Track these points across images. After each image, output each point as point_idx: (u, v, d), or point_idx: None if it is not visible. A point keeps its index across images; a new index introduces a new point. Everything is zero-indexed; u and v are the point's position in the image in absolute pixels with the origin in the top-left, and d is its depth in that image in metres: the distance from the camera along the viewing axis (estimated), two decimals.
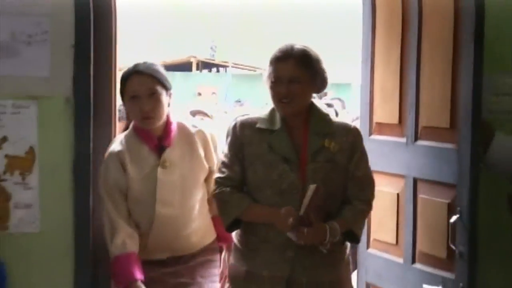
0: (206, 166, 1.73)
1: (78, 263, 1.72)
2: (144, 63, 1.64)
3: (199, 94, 9.75)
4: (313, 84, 1.65)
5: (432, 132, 1.74)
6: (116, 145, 1.69)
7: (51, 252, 1.72)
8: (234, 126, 1.71)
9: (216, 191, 1.65)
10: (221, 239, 1.87)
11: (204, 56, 11.56)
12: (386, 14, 1.99)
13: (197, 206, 1.74)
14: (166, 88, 1.65)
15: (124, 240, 1.63)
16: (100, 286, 1.74)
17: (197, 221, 1.74)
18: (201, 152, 1.70)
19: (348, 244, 1.76)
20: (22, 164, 1.69)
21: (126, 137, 1.71)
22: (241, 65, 11.38)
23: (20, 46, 1.66)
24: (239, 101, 8.75)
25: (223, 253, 1.90)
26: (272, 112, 1.67)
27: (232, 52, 11.74)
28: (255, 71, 10.62)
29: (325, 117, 1.73)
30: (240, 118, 1.79)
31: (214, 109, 5.94)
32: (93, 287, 1.73)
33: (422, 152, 1.75)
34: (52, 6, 1.68)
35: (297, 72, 1.60)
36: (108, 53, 1.77)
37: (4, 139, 1.67)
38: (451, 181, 1.62)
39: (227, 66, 11.16)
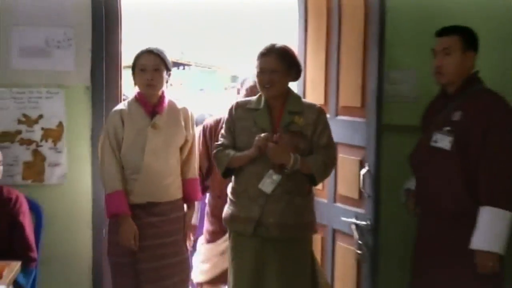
0: (184, 135, 2.13)
1: (95, 207, 2.33)
2: (155, 47, 2.06)
3: (171, 84, 12.28)
4: (289, 74, 2.01)
5: (348, 110, 2.28)
6: (119, 106, 2.13)
7: (75, 198, 2.33)
8: (231, 107, 2.08)
9: (214, 151, 2.03)
10: (187, 199, 2.23)
11: (174, 57, 14.57)
12: (315, 19, 2.49)
13: (175, 164, 2.11)
14: (167, 68, 2.05)
15: (116, 182, 2.01)
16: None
17: (173, 176, 2.11)
18: (183, 124, 2.14)
19: (313, 195, 2.14)
20: (53, 134, 2.29)
21: (129, 101, 2.12)
22: (200, 64, 14.73)
23: (52, 49, 2.28)
24: (202, 89, 11.15)
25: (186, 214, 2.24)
26: (259, 96, 2.02)
27: (194, 54, 15.20)
28: (210, 68, 14.52)
29: (297, 99, 2.10)
30: (237, 100, 2.17)
31: (182, 95, 7.81)
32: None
33: (341, 124, 2.26)
34: (75, 20, 2.29)
35: (276, 65, 1.95)
36: (115, 54, 2.38)
37: (41, 116, 2.28)
38: (361, 145, 2.13)
39: (191, 65, 14.33)
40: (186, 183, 2.17)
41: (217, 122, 2.34)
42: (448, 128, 1.84)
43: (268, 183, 1.96)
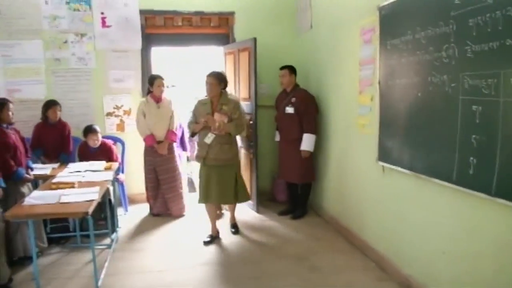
0: (170, 114, 4.93)
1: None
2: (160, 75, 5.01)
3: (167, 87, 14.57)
4: (220, 85, 3.93)
5: (244, 99, 5.27)
6: (143, 100, 4.83)
7: (135, 138, 5.52)
8: (197, 102, 4.11)
9: (187, 123, 4.20)
10: (169, 140, 4.83)
11: None
12: (228, 60, 5.39)
13: (167, 126, 4.84)
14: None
15: (147, 130, 4.71)
16: None
17: (166, 131, 4.84)
18: (170, 108, 4.97)
19: (237, 142, 4.25)
20: (127, 112, 5.52)
21: (147, 98, 4.75)
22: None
23: (125, 79, 5.50)
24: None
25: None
26: (208, 96, 3.98)
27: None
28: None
29: (226, 96, 3.98)
30: (199, 99, 4.16)
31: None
32: None
33: (244, 105, 5.38)
34: (134, 66, 5.49)
35: (213, 80, 3.91)
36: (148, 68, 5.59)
37: (122, 105, 5.51)
38: (250, 112, 5.26)
39: None
40: (168, 132, 4.89)
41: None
42: (291, 104, 4.70)
43: (208, 138, 3.97)
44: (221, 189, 4.05)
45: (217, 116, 3.94)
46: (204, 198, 4.12)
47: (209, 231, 4.28)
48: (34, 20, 5.22)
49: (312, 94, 4.82)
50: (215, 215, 4.27)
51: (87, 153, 4.73)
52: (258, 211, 5.12)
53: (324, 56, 4.78)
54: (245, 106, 5.04)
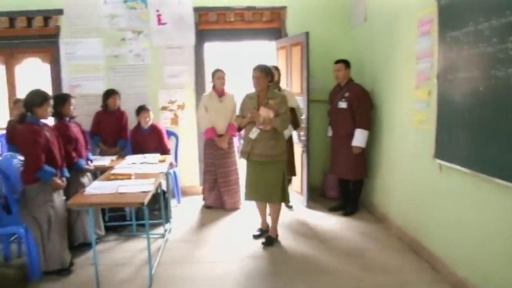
0: (232, 108, 5.08)
1: (198, 135, 5.68)
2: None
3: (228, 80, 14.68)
4: (266, 78, 3.76)
5: (297, 94, 5.28)
6: (207, 93, 4.96)
7: (190, 130, 5.66)
8: (245, 96, 3.92)
9: (235, 118, 4.13)
10: (229, 134, 4.91)
11: None
12: (281, 54, 5.41)
13: (228, 120, 4.96)
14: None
15: (208, 123, 4.86)
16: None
17: (227, 125, 4.98)
18: (233, 102, 5.04)
19: (285, 136, 4.07)
20: (181, 106, 5.67)
21: (210, 91, 4.90)
22: None
23: (180, 74, 5.64)
24: None
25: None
26: (255, 91, 3.81)
27: None
28: None
29: (272, 90, 3.84)
30: (247, 93, 3.94)
31: None
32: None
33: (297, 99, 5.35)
34: (189, 62, 5.61)
35: (258, 73, 3.75)
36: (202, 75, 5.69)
37: (176, 100, 5.66)
38: (303, 107, 5.21)
39: None
40: (229, 126, 5.08)
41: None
42: (344, 99, 4.64)
43: (253, 132, 3.83)
44: (266, 187, 3.90)
45: (263, 110, 3.79)
46: (249, 195, 4.04)
47: (259, 225, 4.28)
48: (95, 19, 5.47)
49: (366, 89, 4.70)
50: (265, 210, 4.24)
51: (139, 135, 4.98)
52: (308, 206, 5.09)
53: (379, 50, 4.65)
54: (298, 99, 5.02)
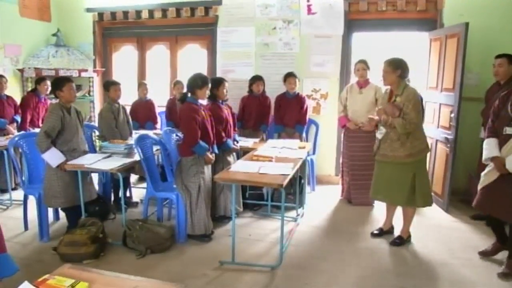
0: (373, 100, 5.24)
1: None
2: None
3: None
4: (394, 72, 3.47)
5: (447, 89, 4.87)
6: (349, 84, 4.99)
7: (331, 119, 5.68)
8: (383, 92, 4.95)
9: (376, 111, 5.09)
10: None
11: None
12: (434, 46, 5.05)
13: (367, 113, 5.30)
14: None
15: (342, 111, 5.19)
16: None
17: (367, 117, 5.30)
18: (374, 94, 5.23)
19: (418, 139, 3.49)
20: (324, 96, 5.72)
21: (353, 83, 4.91)
22: None
23: (325, 63, 5.68)
24: None
25: None
26: None
27: None
28: None
29: (402, 86, 3.49)
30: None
31: None
32: None
33: (444, 95, 4.94)
34: (335, 51, 5.62)
35: (385, 67, 3.52)
36: (347, 65, 5.64)
37: (320, 89, 5.74)
38: (451, 103, 4.78)
39: None
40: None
41: None
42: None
43: (380, 132, 3.68)
44: (390, 188, 3.68)
45: (388, 108, 3.55)
46: (373, 193, 3.89)
47: (381, 224, 4.10)
48: (249, 9, 5.82)
49: None
50: (391, 210, 3.98)
51: (285, 101, 5.31)
52: (447, 211, 4.72)
53: None
54: (447, 97, 4.64)
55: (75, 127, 3.75)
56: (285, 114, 5.29)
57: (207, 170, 3.82)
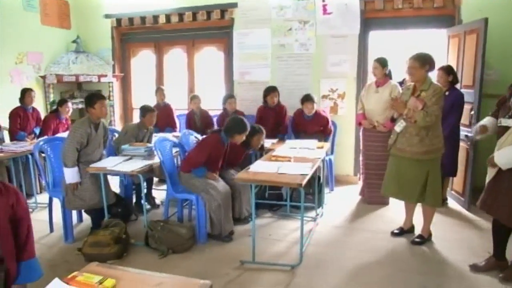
0: (388, 99, 5.22)
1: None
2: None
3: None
4: (422, 68, 3.40)
5: (466, 86, 4.80)
6: (368, 83, 5.03)
7: (348, 117, 5.67)
8: (404, 87, 5.06)
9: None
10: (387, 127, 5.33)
11: None
12: (452, 43, 5.06)
13: (384, 112, 5.28)
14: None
15: (360, 109, 5.13)
16: None
17: (384, 116, 5.28)
18: (390, 94, 5.20)
19: (437, 136, 3.43)
20: (341, 95, 5.72)
21: (371, 82, 4.91)
22: None
23: (342, 63, 5.68)
24: None
25: None
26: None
27: None
28: None
29: (427, 83, 3.43)
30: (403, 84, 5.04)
31: None
32: None
33: (464, 92, 4.87)
34: (351, 51, 5.61)
35: (412, 63, 3.44)
36: (364, 65, 5.62)
37: (337, 89, 5.73)
38: (471, 101, 4.72)
39: None
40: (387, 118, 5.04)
41: None
42: None
43: (399, 125, 3.59)
44: (402, 184, 3.64)
45: (412, 101, 3.50)
46: (385, 189, 3.85)
47: (401, 224, 4.06)
48: (265, 10, 5.86)
49: None
50: (411, 209, 3.93)
51: (302, 120, 5.23)
52: (468, 209, 4.65)
53: None
54: (466, 94, 4.60)
55: (98, 143, 3.89)
56: (304, 132, 5.28)
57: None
